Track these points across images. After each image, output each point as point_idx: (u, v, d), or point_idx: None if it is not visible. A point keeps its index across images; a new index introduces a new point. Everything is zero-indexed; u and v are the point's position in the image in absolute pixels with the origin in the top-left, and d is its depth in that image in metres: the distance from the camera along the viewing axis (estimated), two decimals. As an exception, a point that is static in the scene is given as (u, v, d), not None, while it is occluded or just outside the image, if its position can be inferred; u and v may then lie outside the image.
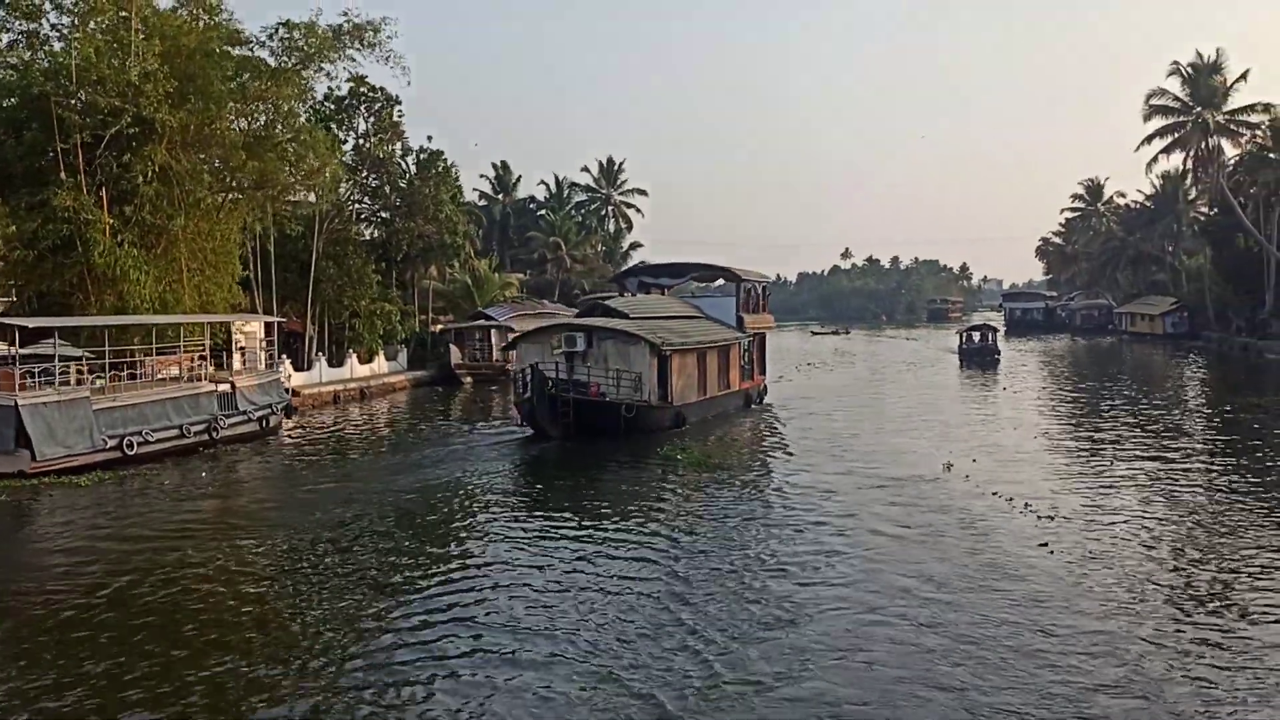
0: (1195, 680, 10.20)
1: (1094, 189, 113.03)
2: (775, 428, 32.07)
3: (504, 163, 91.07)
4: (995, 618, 12.15)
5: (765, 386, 38.80)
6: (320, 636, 11.89)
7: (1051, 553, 15.11)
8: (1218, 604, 12.81)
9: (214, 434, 26.92)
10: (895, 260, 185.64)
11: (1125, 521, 17.29)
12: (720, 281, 40.25)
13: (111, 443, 23.53)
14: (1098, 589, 13.31)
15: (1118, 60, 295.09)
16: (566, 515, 18.87)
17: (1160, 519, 17.61)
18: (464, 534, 17.72)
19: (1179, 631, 11.65)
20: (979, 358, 59.60)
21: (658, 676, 10.43)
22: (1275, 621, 12.03)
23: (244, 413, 28.54)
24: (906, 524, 17.32)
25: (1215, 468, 23.04)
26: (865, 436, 28.67)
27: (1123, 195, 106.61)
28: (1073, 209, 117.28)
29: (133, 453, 23.98)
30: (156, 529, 17.75)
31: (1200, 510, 18.35)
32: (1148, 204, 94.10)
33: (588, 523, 18.06)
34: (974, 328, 67.03)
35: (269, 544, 16.60)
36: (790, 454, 26.47)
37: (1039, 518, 17.50)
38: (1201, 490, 20.26)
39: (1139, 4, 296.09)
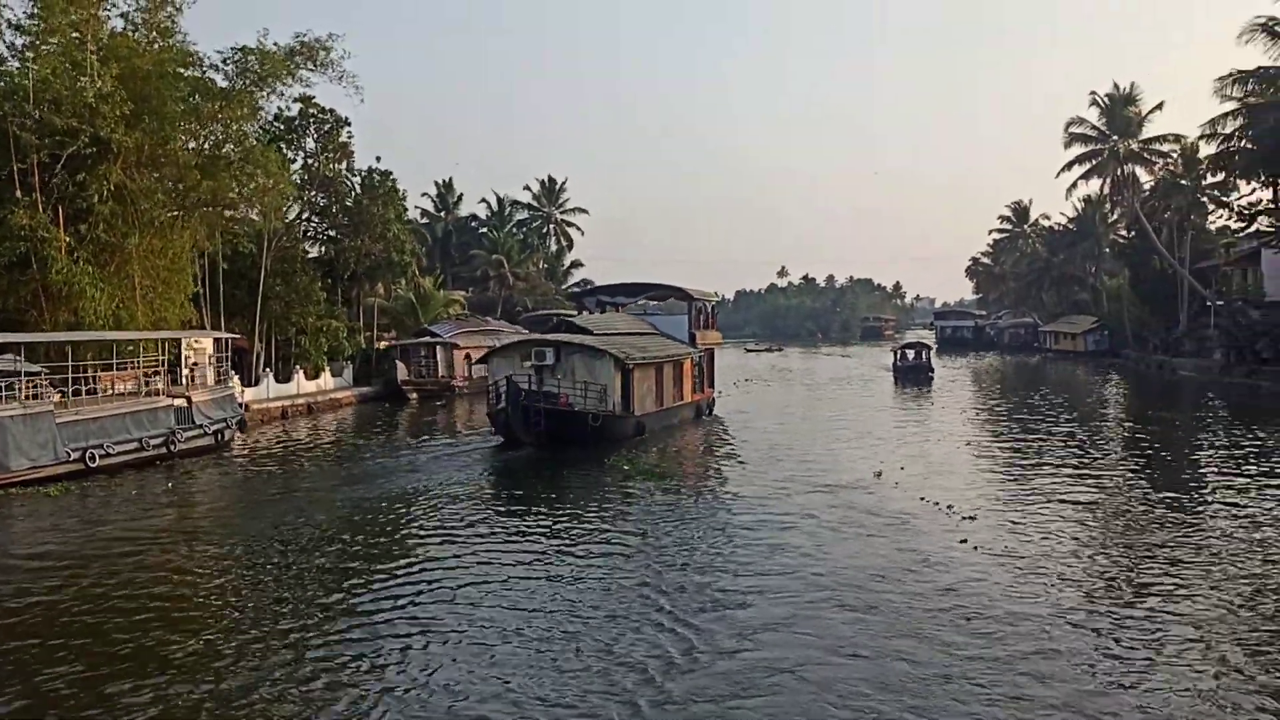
0: (1093, 653, 11.62)
1: (1020, 211, 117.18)
2: (723, 437, 33.92)
3: (448, 181, 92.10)
4: (917, 600, 13.59)
5: (714, 399, 41.00)
6: (283, 635, 12.59)
7: (975, 548, 16.54)
8: (1119, 589, 14.33)
9: (172, 447, 27.57)
10: (831, 279, 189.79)
11: (1039, 521, 18.80)
12: (668, 300, 42.35)
13: (75, 455, 24.15)
14: (1009, 577, 14.77)
15: (1045, 88, 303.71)
16: (529, 518, 20.04)
17: (1072, 519, 19.16)
18: (428, 534, 18.60)
19: (1082, 612, 13.09)
20: (914, 375, 60.44)
21: (624, 647, 11.67)
22: (1170, 604, 13.56)
23: (200, 426, 29.21)
24: (840, 523, 18.73)
25: (1126, 475, 24.84)
26: (804, 447, 30.17)
27: (1047, 218, 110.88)
28: (1000, 230, 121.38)
29: (95, 465, 24.62)
30: (127, 535, 18.49)
31: (1109, 512, 20.01)
32: (1070, 226, 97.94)
33: (549, 524, 19.22)
34: (909, 345, 68.13)
35: (234, 550, 17.45)
36: (736, 461, 28.06)
37: (961, 518, 18.99)
38: (1112, 494, 21.93)
39: (1065, 40, 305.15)
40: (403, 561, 16.46)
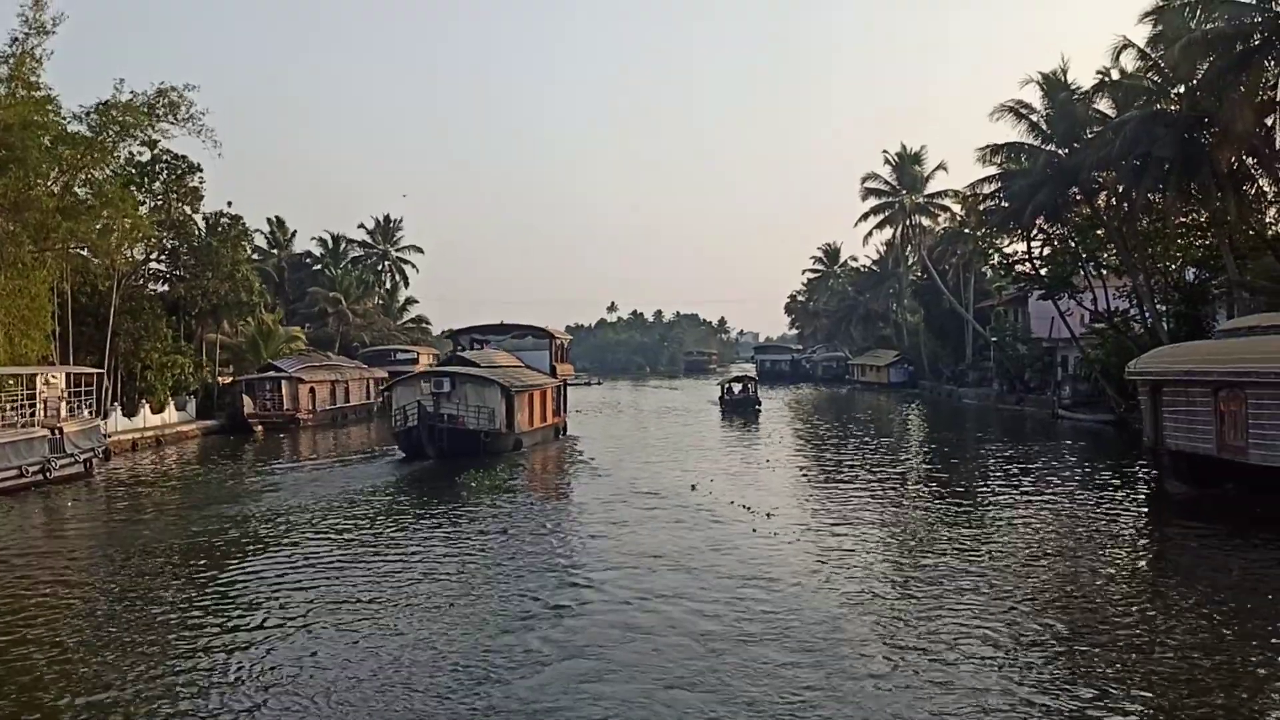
0: (852, 599, 16.04)
1: (831, 253, 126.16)
2: (574, 454, 39.44)
3: (279, 218, 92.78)
4: (712, 565, 18.01)
5: (567, 422, 47.62)
6: (163, 640, 14.07)
7: (775, 534, 20.95)
8: (883, 560, 18.85)
9: (47, 474, 29.56)
10: (658, 314, 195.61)
11: (827, 516, 23.38)
12: (526, 337, 49.10)
13: (-37, 481, 26.15)
14: (783, 552, 19.22)
15: (853, 142, 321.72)
16: (401, 520, 23.62)
17: (856, 514, 23.65)
18: (306, 539, 21.62)
19: (834, 569, 17.58)
20: (741, 409, 60.97)
21: (488, 601, 15.44)
22: (920, 570, 18.23)
23: (71, 455, 31.13)
24: (657, 519, 23.25)
25: (907, 482, 30.23)
26: (634, 466, 34.71)
27: (855, 259, 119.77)
28: (814, 270, 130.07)
29: (-19, 489, 26.61)
30: (35, 551, 21.08)
31: (889, 506, 24.86)
32: (874, 268, 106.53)
33: (421, 524, 22.82)
34: (735, 379, 69.94)
35: (132, 557, 19.91)
36: (582, 473, 33.49)
37: (755, 515, 23.40)
38: (893, 496, 26.91)
39: (867, 100, 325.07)
40: (280, 562, 19.44)
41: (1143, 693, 11.44)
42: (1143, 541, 21.55)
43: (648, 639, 13.44)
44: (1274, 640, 13.37)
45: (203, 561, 19.48)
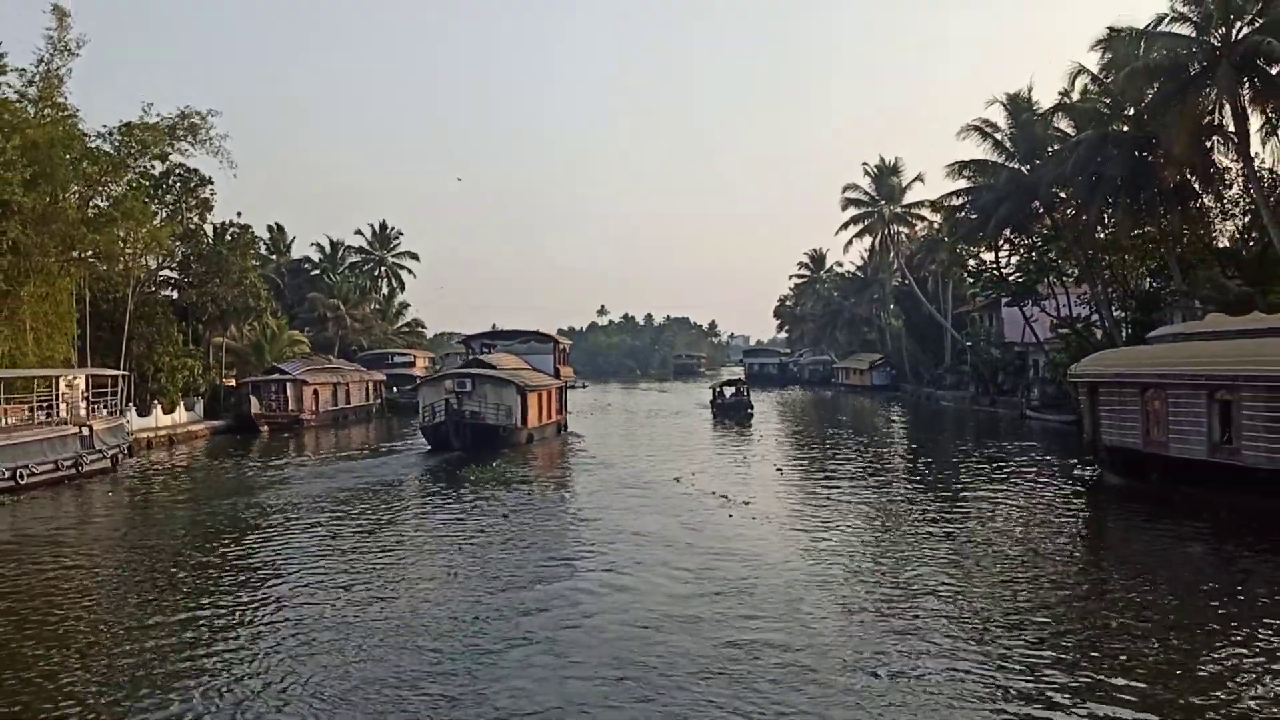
0: (808, 569, 18.56)
1: (817, 258, 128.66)
2: (573, 449, 42.81)
3: (278, 224, 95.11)
4: (690, 542, 20.59)
5: (567, 420, 51.79)
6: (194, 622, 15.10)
7: (751, 519, 23.44)
8: (837, 543, 21.27)
9: (80, 468, 31.98)
10: (649, 317, 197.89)
11: (793, 506, 25.94)
12: (529, 341, 52.96)
13: (8, 474, 28.56)
14: (755, 533, 21.75)
15: (851, 145, 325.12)
16: (429, 506, 26.26)
17: (821, 504, 26.07)
18: (329, 523, 24.20)
19: (800, 547, 20.07)
20: (734, 413, 60.34)
21: (498, 571, 17.96)
22: (871, 546, 20.79)
23: (99, 451, 33.56)
24: (642, 504, 25.95)
25: (880, 477, 32.51)
26: (627, 461, 37.38)
27: (840, 265, 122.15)
28: (800, 275, 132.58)
29: (24, 482, 29.03)
30: (85, 537, 23.61)
31: (859, 500, 26.83)
32: (859, 274, 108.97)
33: (442, 510, 25.53)
34: (728, 382, 69.21)
35: (171, 541, 22.59)
36: (581, 464, 36.81)
37: (733, 502, 25.98)
38: (864, 489, 29.06)
39: (851, 113, 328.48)
40: (320, 538, 22.11)
41: (1069, 643, 13.76)
42: (1078, 526, 23.99)
43: (632, 594, 16.07)
44: (1173, 601, 15.93)
45: (242, 539, 22.02)
